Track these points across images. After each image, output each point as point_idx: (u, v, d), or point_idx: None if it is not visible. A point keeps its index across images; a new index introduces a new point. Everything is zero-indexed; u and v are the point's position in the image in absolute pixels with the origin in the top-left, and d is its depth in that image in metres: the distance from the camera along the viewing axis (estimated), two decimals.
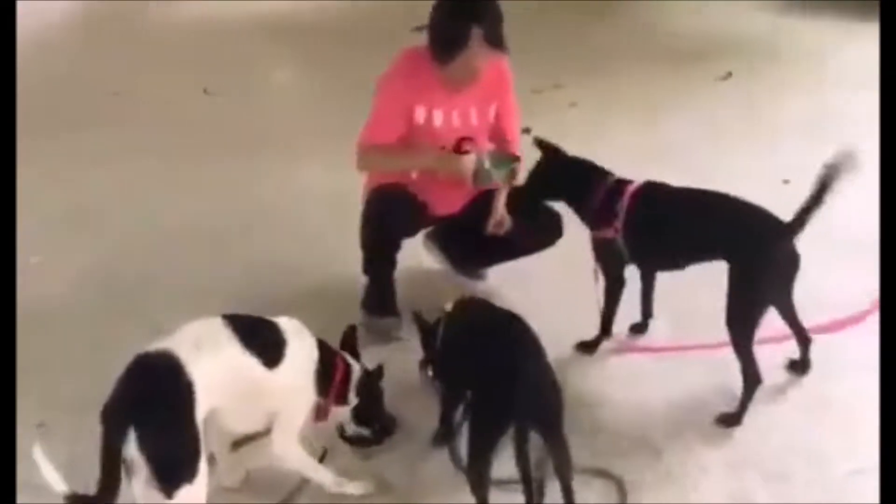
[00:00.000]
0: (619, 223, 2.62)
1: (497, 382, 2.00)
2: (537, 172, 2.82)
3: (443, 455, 2.41)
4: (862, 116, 4.53)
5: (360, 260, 2.98)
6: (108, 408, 1.86)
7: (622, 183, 2.69)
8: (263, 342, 2.10)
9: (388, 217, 2.86)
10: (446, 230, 3.21)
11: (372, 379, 2.36)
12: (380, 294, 3.03)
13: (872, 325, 2.70)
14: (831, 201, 2.38)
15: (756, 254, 2.46)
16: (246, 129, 4.95)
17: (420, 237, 3.20)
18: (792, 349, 2.71)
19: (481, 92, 2.84)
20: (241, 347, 2.04)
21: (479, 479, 2.04)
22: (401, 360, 2.66)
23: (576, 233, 2.85)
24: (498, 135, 2.95)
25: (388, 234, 2.91)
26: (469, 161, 2.75)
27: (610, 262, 2.72)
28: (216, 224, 3.84)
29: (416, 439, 2.47)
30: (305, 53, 6.56)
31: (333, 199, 3.76)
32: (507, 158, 2.85)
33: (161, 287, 3.33)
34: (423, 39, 2.77)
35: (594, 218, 2.70)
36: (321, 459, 2.33)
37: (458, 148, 2.85)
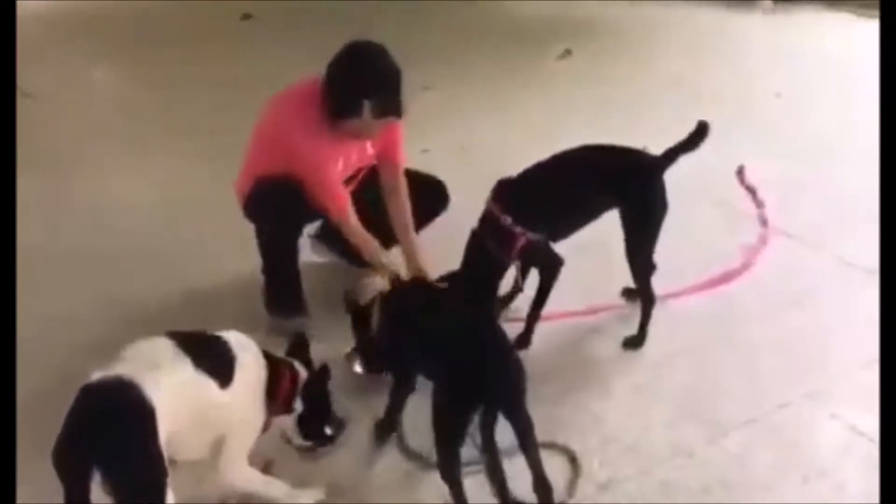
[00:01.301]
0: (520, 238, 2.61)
1: (462, 364, 1.93)
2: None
3: (390, 449, 2.33)
4: (695, 85, 4.94)
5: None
6: (63, 449, 1.62)
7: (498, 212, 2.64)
8: (214, 360, 1.91)
9: (282, 204, 2.68)
10: (332, 227, 3.07)
11: (317, 382, 2.20)
12: (285, 292, 2.86)
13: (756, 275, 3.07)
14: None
15: (644, 188, 2.65)
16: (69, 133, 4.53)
17: (305, 240, 3.03)
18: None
19: None
20: (193, 367, 1.84)
21: (451, 464, 1.96)
22: (321, 356, 2.50)
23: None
24: (386, 158, 2.83)
25: (287, 224, 2.75)
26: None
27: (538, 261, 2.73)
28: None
29: (358, 435, 2.36)
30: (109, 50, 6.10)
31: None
32: None
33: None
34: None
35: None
36: (265, 471, 2.14)
37: (356, 174, 2.81)
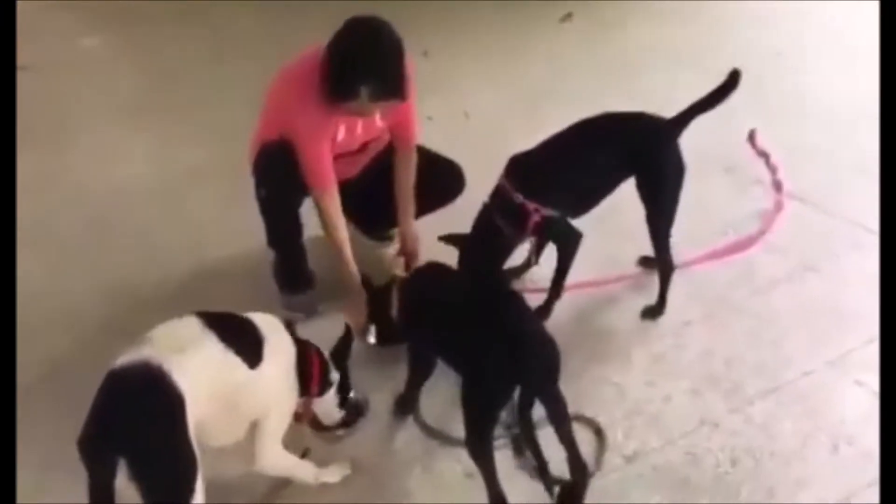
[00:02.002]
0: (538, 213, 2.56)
1: (498, 349, 1.87)
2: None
3: (410, 424, 2.32)
4: (694, 49, 4.87)
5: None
6: (89, 437, 1.57)
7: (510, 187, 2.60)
8: (241, 340, 1.86)
9: (282, 170, 2.60)
10: (346, 197, 3.02)
11: (337, 362, 2.17)
12: (292, 267, 2.82)
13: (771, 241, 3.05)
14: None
15: (659, 152, 2.60)
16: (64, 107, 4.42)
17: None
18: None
19: None
20: (223, 347, 1.79)
21: (483, 446, 1.92)
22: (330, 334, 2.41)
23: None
24: (397, 136, 2.78)
25: (286, 188, 2.65)
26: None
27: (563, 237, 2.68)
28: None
29: (377, 410, 2.34)
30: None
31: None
32: None
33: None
34: None
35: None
36: (302, 457, 2.12)
37: (363, 149, 2.74)
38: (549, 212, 2.57)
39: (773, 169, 3.47)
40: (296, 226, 2.74)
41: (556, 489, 2.05)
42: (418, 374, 2.28)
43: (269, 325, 1.96)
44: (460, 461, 2.14)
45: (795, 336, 2.60)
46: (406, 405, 2.34)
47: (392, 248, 3.06)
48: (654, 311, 2.70)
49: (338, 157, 2.67)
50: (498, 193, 2.64)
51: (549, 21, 5.47)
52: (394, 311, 2.29)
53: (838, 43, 4.84)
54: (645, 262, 2.93)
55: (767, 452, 2.19)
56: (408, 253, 2.87)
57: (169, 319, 1.86)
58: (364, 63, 2.41)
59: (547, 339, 1.94)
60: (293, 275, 2.82)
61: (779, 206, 3.23)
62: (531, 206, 2.56)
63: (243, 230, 2.96)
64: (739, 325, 2.68)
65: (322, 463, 2.13)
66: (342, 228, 2.66)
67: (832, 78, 4.31)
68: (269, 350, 1.91)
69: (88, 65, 5.04)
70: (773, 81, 4.14)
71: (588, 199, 2.67)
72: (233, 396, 1.82)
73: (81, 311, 2.83)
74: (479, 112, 4.19)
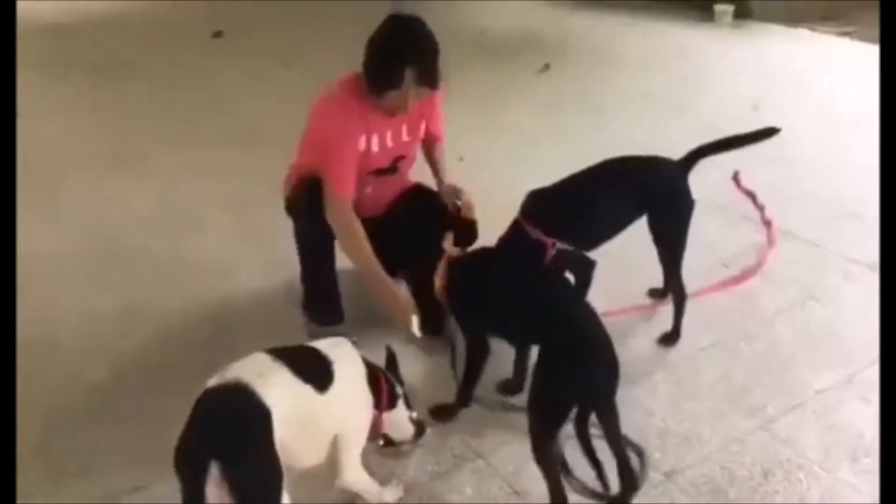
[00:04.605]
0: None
1: (570, 354, 2.01)
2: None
3: (459, 442, 2.41)
4: (669, 98, 5.16)
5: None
6: (185, 444, 1.64)
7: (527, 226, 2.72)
8: (310, 367, 1.95)
9: (316, 204, 2.67)
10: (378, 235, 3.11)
11: (396, 377, 2.27)
12: (323, 301, 2.89)
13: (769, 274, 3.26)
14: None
15: (669, 193, 2.77)
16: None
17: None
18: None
19: (414, 111, 2.79)
20: (292, 376, 1.88)
21: (548, 451, 2.02)
22: None
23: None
24: (428, 140, 2.95)
25: (321, 223, 2.69)
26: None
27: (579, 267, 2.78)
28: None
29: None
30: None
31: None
32: None
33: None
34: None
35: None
36: None
37: (394, 167, 2.84)
38: (564, 246, 2.71)
39: (760, 208, 3.70)
40: (329, 258, 2.81)
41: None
42: (477, 359, 2.40)
43: (335, 347, 2.05)
44: (512, 479, 2.27)
45: (803, 359, 2.77)
46: (464, 398, 2.46)
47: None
48: (670, 338, 2.85)
49: (370, 177, 2.77)
50: (515, 229, 2.76)
51: (529, 71, 5.74)
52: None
53: (813, 94, 5.17)
54: (654, 293, 3.09)
55: (795, 465, 2.33)
56: (458, 197, 2.86)
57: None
58: (408, 47, 2.58)
59: (612, 348, 2.06)
60: (322, 305, 2.88)
61: (772, 242, 3.45)
62: (549, 241, 2.70)
63: (253, 263, 3.08)
64: (750, 350, 2.83)
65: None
66: (365, 239, 2.65)
67: (810, 128, 4.60)
68: (338, 371, 1.99)
69: (66, 116, 5.09)
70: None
71: (603, 234, 2.80)
72: (308, 420, 1.89)
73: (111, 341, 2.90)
74: (473, 155, 4.36)
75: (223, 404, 1.73)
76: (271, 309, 3.06)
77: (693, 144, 2.78)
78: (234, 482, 1.62)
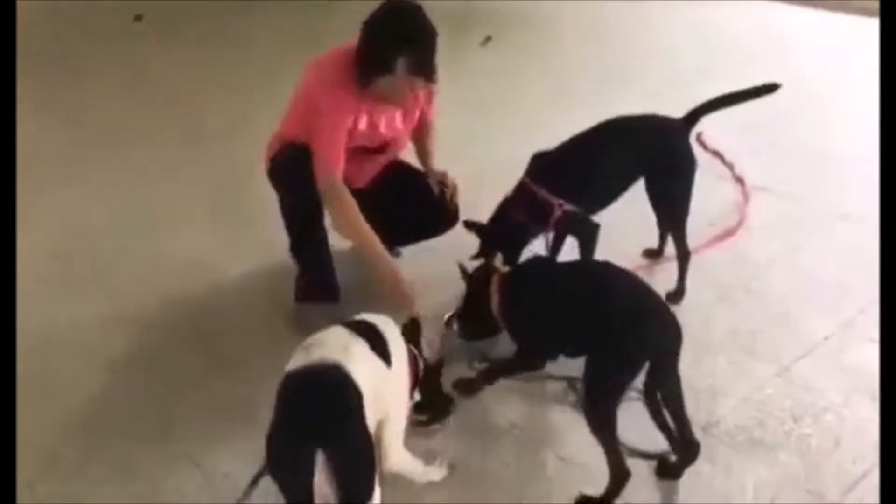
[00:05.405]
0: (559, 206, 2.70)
1: (626, 325, 1.99)
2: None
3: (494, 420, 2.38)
4: (620, 68, 5.20)
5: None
6: (286, 440, 1.55)
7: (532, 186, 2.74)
8: (378, 342, 1.88)
9: (304, 169, 2.56)
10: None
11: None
12: (315, 275, 2.79)
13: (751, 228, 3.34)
14: None
15: (670, 150, 2.77)
16: None
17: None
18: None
19: (412, 101, 2.74)
20: (369, 349, 1.81)
21: (608, 423, 2.00)
22: None
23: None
24: (419, 125, 2.89)
25: (308, 186, 2.58)
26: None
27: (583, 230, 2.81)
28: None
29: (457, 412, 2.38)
30: None
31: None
32: None
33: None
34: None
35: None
36: None
37: (382, 149, 2.78)
38: (570, 207, 2.72)
39: (729, 166, 3.79)
40: (318, 227, 2.71)
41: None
42: (524, 368, 2.37)
43: (387, 326, 1.99)
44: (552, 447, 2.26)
45: (803, 307, 2.85)
46: (491, 379, 2.41)
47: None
48: (676, 296, 2.87)
49: (356, 152, 2.68)
50: (521, 190, 2.77)
51: (470, 46, 5.69)
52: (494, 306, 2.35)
53: (763, 62, 5.27)
54: (649, 253, 3.13)
55: (821, 408, 2.40)
56: (444, 182, 2.90)
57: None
58: (403, 34, 2.48)
59: (672, 316, 2.06)
60: (317, 282, 2.78)
61: (747, 197, 3.54)
62: (556, 201, 2.70)
63: (235, 255, 3.01)
64: (751, 302, 2.91)
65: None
66: (359, 214, 2.55)
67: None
68: (392, 349, 1.93)
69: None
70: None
71: (608, 194, 2.82)
72: (378, 398, 1.81)
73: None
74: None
75: (318, 387, 1.65)
76: (254, 303, 2.95)
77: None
78: (339, 470, 1.54)
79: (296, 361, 1.70)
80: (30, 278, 3.02)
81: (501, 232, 2.81)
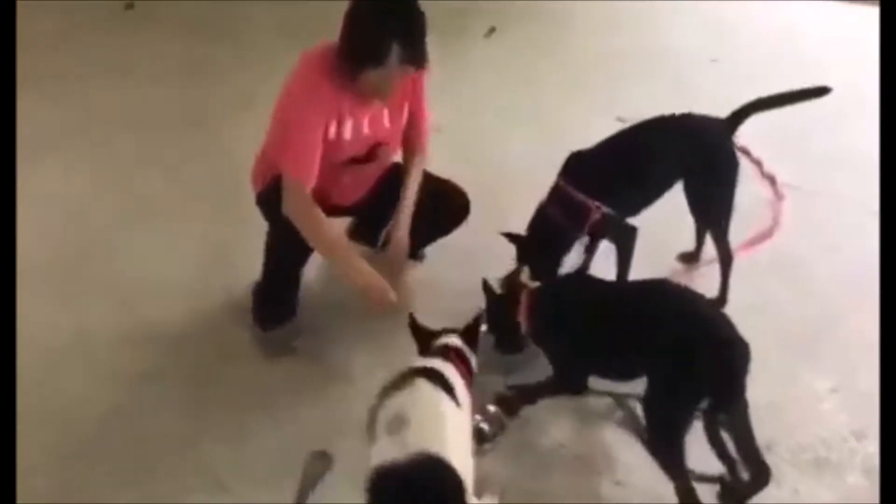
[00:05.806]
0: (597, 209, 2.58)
1: (696, 351, 1.85)
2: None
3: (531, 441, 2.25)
4: (629, 59, 5.04)
5: None
6: None
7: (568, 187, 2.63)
8: (447, 386, 1.80)
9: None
10: (363, 222, 2.87)
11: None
12: (280, 297, 2.66)
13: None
14: None
15: (714, 156, 2.65)
16: None
17: None
18: None
19: (395, 94, 2.50)
20: (449, 399, 1.75)
21: (678, 460, 1.87)
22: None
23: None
24: (409, 131, 2.66)
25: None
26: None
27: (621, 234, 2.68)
28: None
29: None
30: None
31: None
32: None
33: None
34: None
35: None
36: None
37: (372, 155, 2.57)
38: (608, 210, 2.58)
39: (758, 163, 3.65)
40: (301, 264, 2.59)
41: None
42: (560, 391, 2.21)
43: (446, 369, 1.89)
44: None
45: (852, 308, 2.73)
46: (531, 400, 2.28)
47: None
48: (719, 303, 2.72)
49: (345, 165, 2.52)
50: (557, 192, 2.65)
51: (475, 37, 5.51)
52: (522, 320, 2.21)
53: (771, 51, 5.15)
54: (685, 258, 2.99)
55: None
56: (394, 260, 2.60)
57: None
58: (396, 20, 2.27)
59: (738, 335, 1.90)
60: (279, 304, 2.66)
61: (780, 196, 3.40)
62: (592, 204, 2.56)
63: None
64: (797, 307, 2.77)
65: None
66: (326, 222, 2.42)
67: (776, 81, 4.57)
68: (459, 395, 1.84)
69: None
70: (716, 84, 4.37)
71: (646, 197, 2.69)
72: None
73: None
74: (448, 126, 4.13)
75: (421, 489, 1.55)
76: (213, 322, 2.79)
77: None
78: None
79: (388, 449, 1.59)
80: (30, 279, 2.88)
81: (540, 239, 2.68)
